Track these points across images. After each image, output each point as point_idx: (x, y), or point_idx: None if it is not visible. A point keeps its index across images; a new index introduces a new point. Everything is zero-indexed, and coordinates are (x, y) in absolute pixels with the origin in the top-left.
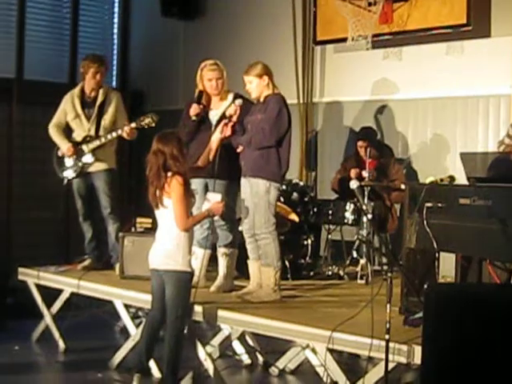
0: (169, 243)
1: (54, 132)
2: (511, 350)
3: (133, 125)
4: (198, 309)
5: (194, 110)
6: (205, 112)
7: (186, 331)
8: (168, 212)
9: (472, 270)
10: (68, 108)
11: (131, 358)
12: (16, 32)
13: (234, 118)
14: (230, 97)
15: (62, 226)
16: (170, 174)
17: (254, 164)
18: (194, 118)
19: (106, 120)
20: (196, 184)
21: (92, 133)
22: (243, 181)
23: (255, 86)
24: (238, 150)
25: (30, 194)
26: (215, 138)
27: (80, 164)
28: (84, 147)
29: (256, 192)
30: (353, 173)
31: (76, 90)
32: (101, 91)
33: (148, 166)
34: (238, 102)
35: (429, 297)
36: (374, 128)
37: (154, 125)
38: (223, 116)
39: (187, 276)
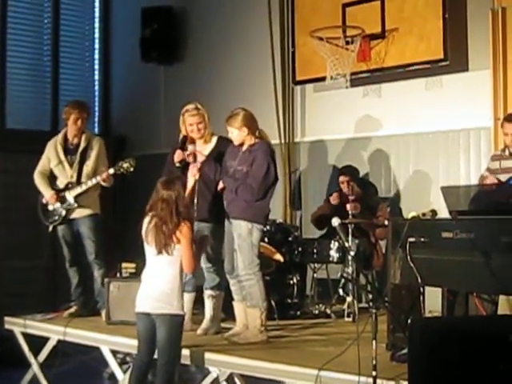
0: (164, 287)
1: (38, 179)
2: (499, 382)
3: (111, 171)
4: (185, 352)
5: (178, 156)
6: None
7: (176, 375)
8: (169, 257)
9: (458, 304)
10: (51, 155)
11: None
12: None
13: (198, 161)
14: (214, 139)
15: (47, 273)
16: (177, 221)
17: (237, 206)
18: (177, 164)
19: (89, 166)
20: None
21: (74, 179)
22: (226, 223)
23: (236, 136)
24: (219, 187)
25: (14, 242)
26: (190, 184)
27: (64, 211)
28: (67, 194)
29: (239, 234)
30: (333, 198)
31: (59, 137)
32: (83, 137)
33: (153, 213)
34: (190, 148)
35: (413, 331)
36: (354, 166)
37: (132, 169)
38: (206, 159)
39: (180, 319)
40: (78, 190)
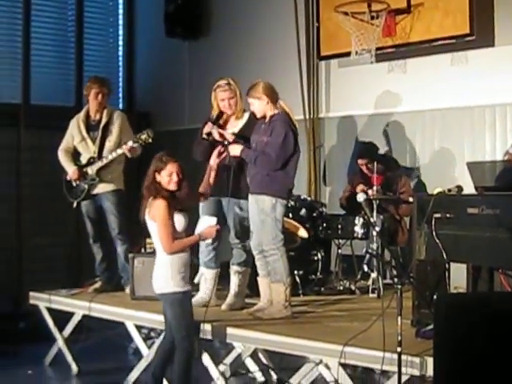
0: (158, 266)
1: (61, 156)
2: None
3: (130, 143)
4: (208, 327)
5: (207, 128)
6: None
7: (196, 351)
8: (154, 236)
9: (481, 279)
10: (74, 132)
11: (144, 379)
12: (22, 58)
13: (217, 136)
14: (246, 115)
15: (72, 249)
16: (152, 198)
17: (260, 181)
18: (204, 136)
19: (111, 141)
20: (210, 203)
21: (96, 155)
22: (250, 198)
23: (256, 108)
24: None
25: (39, 218)
26: (213, 162)
27: (86, 186)
28: (89, 169)
29: (262, 209)
30: (359, 189)
31: (81, 114)
32: (105, 113)
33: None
34: (215, 127)
35: (438, 307)
36: (373, 143)
37: (150, 140)
38: (237, 135)
39: (180, 296)
40: (100, 164)
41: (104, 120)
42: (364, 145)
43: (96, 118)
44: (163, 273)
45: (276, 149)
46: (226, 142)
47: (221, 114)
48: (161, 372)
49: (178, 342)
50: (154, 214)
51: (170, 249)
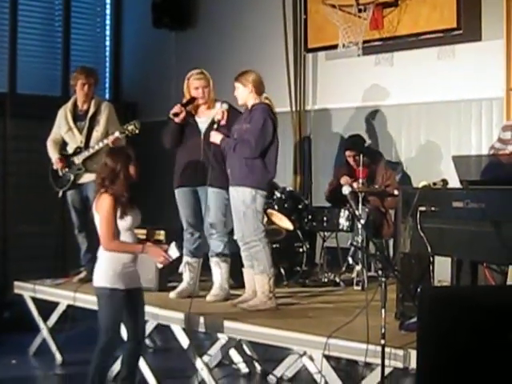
0: (99, 260)
1: (49, 146)
2: (506, 353)
3: (116, 133)
4: (192, 318)
5: (175, 109)
6: (190, 118)
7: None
8: (98, 229)
9: (463, 273)
10: (61, 122)
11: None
12: (8, 47)
13: (223, 122)
14: (218, 104)
15: (57, 239)
16: (102, 191)
17: (240, 172)
18: (170, 116)
19: (98, 131)
20: (184, 192)
21: (83, 145)
22: (230, 189)
23: (240, 93)
24: (211, 139)
25: (25, 207)
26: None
27: (72, 176)
28: (75, 158)
29: (243, 201)
30: (343, 180)
31: (69, 104)
32: (92, 103)
33: (96, 180)
34: (224, 106)
35: (422, 300)
36: (361, 135)
37: (137, 131)
38: (212, 123)
39: (107, 292)
40: (86, 153)
41: (91, 110)
42: (352, 137)
43: (83, 108)
44: (99, 266)
45: (255, 135)
46: (215, 122)
47: (192, 99)
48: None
49: (102, 338)
50: (99, 208)
51: (108, 246)
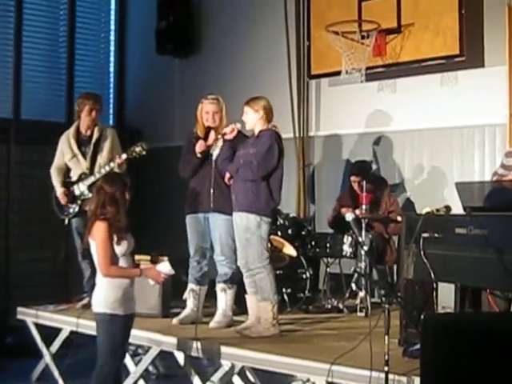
0: (97, 286)
1: (53, 175)
2: (510, 379)
3: (123, 156)
4: (197, 345)
5: (200, 147)
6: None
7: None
8: (94, 256)
9: (470, 300)
10: (65, 149)
11: None
12: (12, 72)
13: (230, 136)
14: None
15: (60, 264)
16: (97, 217)
17: (245, 198)
18: (199, 155)
19: (103, 157)
20: (195, 219)
21: (88, 170)
22: (235, 215)
23: (249, 118)
24: (226, 179)
25: (28, 233)
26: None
27: (77, 207)
28: (80, 184)
29: (247, 227)
30: (343, 210)
31: (71, 130)
32: (96, 129)
33: (89, 205)
34: (238, 124)
35: (426, 327)
36: (367, 161)
37: (144, 153)
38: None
39: (107, 317)
40: (92, 179)
41: (96, 136)
42: (359, 162)
43: (87, 134)
44: (98, 292)
45: (259, 157)
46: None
47: (208, 129)
48: None
49: (100, 363)
50: (94, 235)
51: (106, 272)
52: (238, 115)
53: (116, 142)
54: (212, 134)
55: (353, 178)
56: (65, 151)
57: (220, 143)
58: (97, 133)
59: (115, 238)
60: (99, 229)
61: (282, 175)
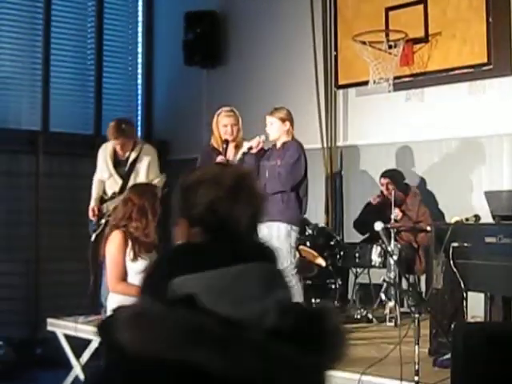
0: (108, 301)
1: (94, 184)
2: None
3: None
4: None
5: (221, 161)
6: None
7: None
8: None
9: (500, 309)
10: (103, 167)
11: None
12: (41, 85)
13: (255, 150)
14: (246, 144)
15: (90, 275)
16: (117, 228)
17: (275, 208)
18: None
19: (139, 178)
20: None
21: (118, 190)
22: (262, 226)
23: (276, 129)
24: None
25: (57, 244)
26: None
27: (103, 221)
28: (109, 203)
29: (278, 236)
30: (373, 198)
31: (109, 148)
32: (135, 148)
33: (113, 215)
34: (262, 137)
35: (456, 336)
36: (399, 170)
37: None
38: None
39: None
40: (117, 201)
41: (133, 157)
42: (390, 170)
43: (125, 155)
44: (109, 306)
45: (288, 168)
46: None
47: (226, 142)
48: None
49: None
50: (108, 246)
51: (113, 288)
52: (263, 126)
53: (153, 163)
54: (231, 147)
55: (382, 181)
56: (102, 169)
57: (240, 155)
58: (134, 153)
59: (131, 254)
60: (112, 240)
61: (307, 186)
